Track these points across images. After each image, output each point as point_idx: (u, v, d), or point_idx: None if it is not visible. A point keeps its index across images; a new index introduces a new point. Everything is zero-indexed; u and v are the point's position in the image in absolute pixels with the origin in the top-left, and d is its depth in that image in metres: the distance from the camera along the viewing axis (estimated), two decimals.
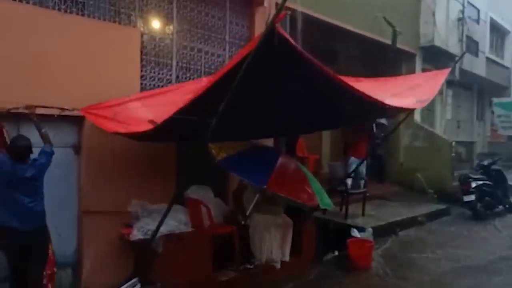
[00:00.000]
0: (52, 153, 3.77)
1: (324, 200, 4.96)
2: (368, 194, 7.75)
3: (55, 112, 4.14)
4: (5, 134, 3.89)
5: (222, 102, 3.08)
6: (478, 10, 15.04)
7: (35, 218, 3.61)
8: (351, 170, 7.32)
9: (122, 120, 4.06)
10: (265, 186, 4.30)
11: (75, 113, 4.44)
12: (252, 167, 4.54)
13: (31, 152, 3.66)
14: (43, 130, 3.83)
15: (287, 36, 2.91)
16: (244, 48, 3.17)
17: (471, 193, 8.49)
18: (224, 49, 6.22)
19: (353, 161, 7.56)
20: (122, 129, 3.99)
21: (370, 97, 3.87)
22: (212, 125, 3.19)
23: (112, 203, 4.66)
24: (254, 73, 2.91)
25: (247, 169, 4.53)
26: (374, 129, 9.02)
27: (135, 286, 4.08)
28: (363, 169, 7.78)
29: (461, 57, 9.71)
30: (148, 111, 4.17)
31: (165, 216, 4.14)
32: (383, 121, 8.40)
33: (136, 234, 4.52)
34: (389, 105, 4.24)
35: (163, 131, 3.73)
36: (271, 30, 2.71)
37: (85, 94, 4.53)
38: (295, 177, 4.87)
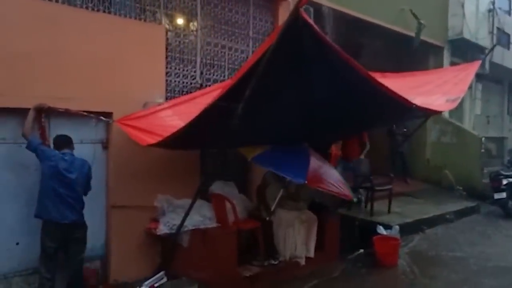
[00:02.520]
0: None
1: (352, 193, 4.96)
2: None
3: (92, 116, 4.40)
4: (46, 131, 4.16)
5: (246, 97, 3.07)
6: (510, 1, 14.53)
7: (73, 212, 3.77)
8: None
9: (155, 131, 4.12)
10: (305, 181, 4.26)
11: (104, 109, 4.55)
12: (287, 162, 4.52)
13: (70, 143, 4.01)
14: None
15: (311, 21, 2.86)
16: (268, 39, 3.13)
17: (502, 190, 8.27)
18: (248, 45, 6.20)
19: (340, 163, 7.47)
20: (153, 140, 4.05)
21: (398, 94, 3.76)
22: (238, 113, 3.15)
23: (139, 198, 4.73)
24: (278, 63, 2.87)
25: (283, 164, 4.50)
26: (394, 126, 8.83)
27: (161, 279, 4.14)
28: (359, 167, 7.47)
29: (492, 49, 9.40)
30: (180, 119, 4.16)
31: (189, 210, 4.19)
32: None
33: (162, 229, 4.59)
34: (418, 106, 4.10)
35: (190, 136, 3.78)
36: (295, 15, 2.67)
37: (112, 90, 4.64)
38: (328, 172, 4.84)
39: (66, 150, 3.92)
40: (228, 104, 3.17)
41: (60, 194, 3.72)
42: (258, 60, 2.91)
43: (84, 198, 4.00)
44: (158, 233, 4.59)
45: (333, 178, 4.71)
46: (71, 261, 3.91)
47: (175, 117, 4.36)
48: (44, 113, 4.09)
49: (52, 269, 3.84)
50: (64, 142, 3.97)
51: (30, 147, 3.83)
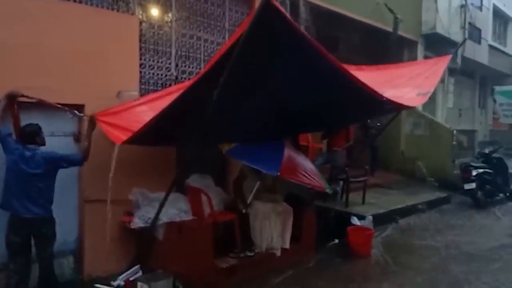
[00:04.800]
0: (75, 162, 4.06)
1: (326, 185, 5.03)
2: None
3: (66, 109, 4.25)
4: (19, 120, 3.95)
5: (221, 83, 3.05)
6: None
7: (37, 206, 3.65)
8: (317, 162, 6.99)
9: (130, 127, 4.01)
10: (278, 173, 4.34)
11: (75, 101, 4.44)
12: (261, 155, 4.57)
13: (37, 135, 3.79)
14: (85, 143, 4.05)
15: (283, 9, 2.86)
16: (239, 28, 3.11)
17: (472, 181, 8.50)
18: (224, 37, 6.15)
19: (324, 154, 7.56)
20: (128, 135, 3.96)
21: (369, 87, 3.81)
22: (213, 100, 3.12)
23: (113, 192, 4.65)
24: (252, 50, 2.86)
25: (256, 157, 4.55)
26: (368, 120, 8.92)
27: (136, 273, 4.11)
28: (335, 159, 7.39)
29: (462, 43, 9.64)
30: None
31: (163, 202, 4.16)
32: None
33: (137, 222, 4.55)
34: (389, 99, 4.16)
35: (164, 130, 3.73)
36: (266, 2, 2.66)
37: (84, 82, 4.54)
38: (301, 163, 4.90)
39: (30, 146, 3.72)
40: (203, 92, 3.15)
41: (22, 188, 3.59)
42: (232, 45, 2.90)
43: (56, 193, 3.85)
44: (132, 227, 4.55)
45: (306, 170, 4.78)
46: (40, 257, 3.81)
47: (151, 113, 4.28)
48: (16, 101, 3.93)
49: (22, 263, 3.71)
50: (30, 134, 3.77)
51: None
